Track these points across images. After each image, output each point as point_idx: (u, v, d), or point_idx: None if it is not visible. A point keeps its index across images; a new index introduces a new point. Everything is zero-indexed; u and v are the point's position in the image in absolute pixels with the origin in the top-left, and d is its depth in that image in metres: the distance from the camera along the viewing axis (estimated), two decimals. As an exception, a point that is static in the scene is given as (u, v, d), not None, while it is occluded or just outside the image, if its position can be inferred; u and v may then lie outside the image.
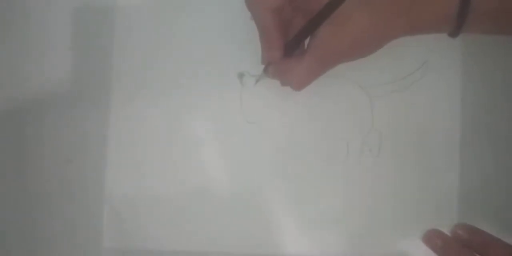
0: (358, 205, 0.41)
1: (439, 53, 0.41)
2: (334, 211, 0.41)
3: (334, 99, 0.41)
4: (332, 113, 0.42)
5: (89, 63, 0.42)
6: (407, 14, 0.34)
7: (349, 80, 0.41)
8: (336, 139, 0.41)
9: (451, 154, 0.41)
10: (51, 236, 0.42)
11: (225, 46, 0.42)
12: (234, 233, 0.41)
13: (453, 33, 0.36)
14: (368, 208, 0.41)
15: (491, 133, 0.41)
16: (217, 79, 0.42)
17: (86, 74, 0.42)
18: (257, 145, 0.42)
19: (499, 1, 0.34)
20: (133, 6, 0.42)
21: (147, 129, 0.42)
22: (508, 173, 0.41)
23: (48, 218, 0.42)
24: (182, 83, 0.42)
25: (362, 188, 0.41)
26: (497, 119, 0.41)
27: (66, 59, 0.42)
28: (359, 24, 0.34)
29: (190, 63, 0.42)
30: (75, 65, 0.42)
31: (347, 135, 0.41)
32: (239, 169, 0.42)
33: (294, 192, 0.42)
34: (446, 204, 0.41)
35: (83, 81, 0.42)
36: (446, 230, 0.41)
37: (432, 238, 0.40)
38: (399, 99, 0.41)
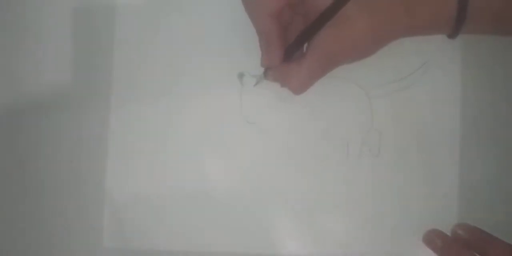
0: (358, 205, 0.41)
1: (439, 53, 0.41)
2: (333, 211, 0.41)
3: (334, 99, 0.41)
4: (332, 113, 0.42)
5: (89, 63, 0.42)
6: (405, 16, 0.34)
7: (349, 80, 0.41)
8: (336, 139, 0.41)
9: (451, 154, 0.41)
10: (51, 236, 0.42)
11: (225, 46, 0.42)
12: (234, 233, 0.41)
13: (452, 35, 0.36)
14: (368, 208, 0.41)
15: (491, 133, 0.41)
16: (217, 79, 0.42)
17: (86, 74, 0.42)
18: (257, 145, 0.42)
19: (497, 2, 0.34)
20: (133, 6, 0.42)
21: (147, 129, 0.42)
22: (509, 173, 0.41)
23: (48, 218, 0.42)
24: (182, 83, 0.42)
25: (362, 188, 0.41)
26: (497, 119, 0.41)
27: (66, 59, 0.42)
28: (358, 27, 0.34)
29: (190, 63, 0.42)
30: (75, 65, 0.42)
31: (347, 135, 0.41)
32: (239, 169, 0.42)
33: (293, 192, 0.41)
34: (446, 204, 0.41)
35: (83, 81, 0.42)
36: (447, 230, 0.41)
37: (432, 238, 0.40)
38: (399, 99, 0.41)
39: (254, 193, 0.42)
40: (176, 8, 0.42)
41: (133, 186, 0.42)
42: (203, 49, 0.42)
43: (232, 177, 0.42)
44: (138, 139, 0.42)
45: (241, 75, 0.41)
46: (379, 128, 0.41)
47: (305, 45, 0.36)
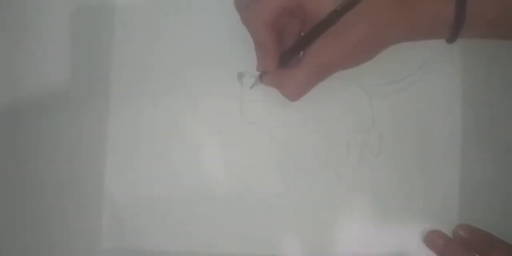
0: (358, 205, 0.41)
1: (439, 53, 0.41)
2: (333, 211, 0.41)
3: (334, 99, 0.41)
4: (332, 113, 0.41)
5: (89, 63, 0.42)
6: (403, 22, 0.34)
7: (349, 80, 0.41)
8: (336, 139, 0.41)
9: (452, 154, 0.41)
10: (50, 236, 0.42)
11: (225, 46, 0.42)
12: (234, 233, 0.41)
13: (450, 39, 0.36)
14: (368, 209, 0.41)
15: (492, 133, 0.41)
16: (217, 79, 0.42)
17: (85, 74, 0.42)
18: (257, 145, 0.42)
19: (494, 7, 0.34)
20: (132, 6, 0.42)
21: (147, 129, 0.42)
22: (509, 173, 0.41)
23: (47, 218, 0.42)
24: (182, 83, 0.42)
25: (362, 188, 0.41)
26: (497, 119, 0.41)
27: (65, 59, 0.42)
28: (356, 33, 0.34)
29: (190, 63, 0.42)
30: (75, 65, 0.42)
31: (347, 135, 0.41)
32: (239, 169, 0.42)
33: (293, 192, 0.41)
34: (447, 205, 0.41)
35: (82, 81, 0.42)
36: (447, 231, 0.41)
37: (433, 239, 0.40)
38: (399, 99, 0.41)
39: (254, 193, 0.41)
40: (176, 8, 0.42)
41: (132, 186, 0.42)
42: (203, 49, 0.42)
43: (232, 177, 0.42)
44: (137, 139, 0.42)
45: (241, 75, 0.41)
46: (379, 128, 0.41)
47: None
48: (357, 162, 0.41)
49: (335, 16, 0.33)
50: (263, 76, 0.38)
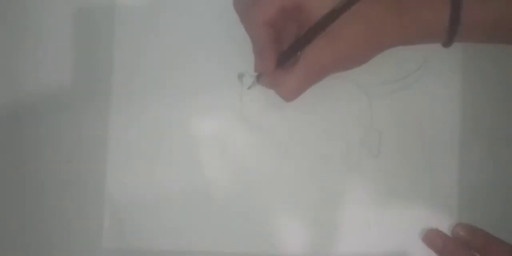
0: (358, 205, 0.41)
1: (439, 53, 0.41)
2: (333, 211, 0.41)
3: (334, 99, 0.41)
4: (332, 113, 0.42)
5: (89, 63, 0.42)
6: (399, 26, 0.34)
7: (349, 80, 0.41)
8: (336, 139, 0.41)
9: (451, 154, 0.41)
10: (50, 237, 0.42)
11: (225, 46, 0.42)
12: (234, 233, 0.41)
13: (446, 44, 0.36)
14: (368, 208, 0.41)
15: (491, 133, 0.41)
16: (217, 79, 0.42)
17: (85, 74, 0.42)
18: (257, 145, 0.42)
19: (489, 12, 0.34)
20: (132, 6, 0.42)
21: (147, 129, 0.42)
22: (508, 173, 0.41)
23: (47, 219, 0.42)
24: (182, 83, 0.42)
25: (362, 188, 0.41)
26: (497, 119, 0.41)
27: (66, 59, 0.42)
28: (351, 36, 0.34)
29: (190, 63, 0.42)
30: (75, 65, 0.42)
31: (347, 135, 0.41)
32: (238, 169, 0.42)
33: (293, 192, 0.41)
34: (446, 204, 0.41)
35: (82, 81, 0.42)
36: (447, 230, 0.41)
37: (432, 238, 0.41)
38: (399, 99, 0.41)
39: (254, 193, 0.42)
40: (176, 8, 0.42)
41: (133, 186, 0.42)
42: (203, 49, 0.42)
43: (232, 177, 0.42)
44: (138, 139, 0.42)
45: (241, 75, 0.41)
46: (379, 128, 0.41)
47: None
48: (357, 162, 0.41)
49: (332, 16, 0.33)
50: (260, 77, 0.38)
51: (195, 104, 0.42)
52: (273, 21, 0.34)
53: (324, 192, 0.41)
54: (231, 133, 0.42)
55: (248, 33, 0.36)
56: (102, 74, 0.42)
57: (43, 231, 0.42)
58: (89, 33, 0.42)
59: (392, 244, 0.41)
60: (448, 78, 0.41)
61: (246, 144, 0.42)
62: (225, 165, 0.42)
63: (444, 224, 0.41)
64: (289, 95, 0.37)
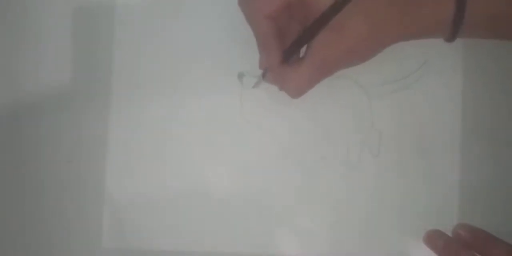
0: (358, 205, 0.41)
1: (439, 53, 0.41)
2: (333, 211, 0.41)
3: (334, 99, 0.41)
4: (332, 113, 0.42)
5: (89, 63, 0.42)
6: (402, 21, 0.34)
7: (349, 80, 0.41)
8: (336, 139, 0.41)
9: (451, 154, 0.41)
10: (50, 237, 0.42)
11: (225, 46, 0.42)
12: (234, 233, 0.41)
13: (449, 38, 0.36)
14: (368, 208, 0.41)
15: (492, 133, 0.41)
16: (217, 79, 0.42)
17: (85, 74, 0.42)
18: (257, 145, 0.42)
19: (494, 7, 0.34)
20: (132, 6, 0.42)
21: (147, 129, 0.42)
22: (509, 173, 0.41)
23: (47, 218, 0.42)
24: (182, 83, 0.42)
25: (362, 188, 0.41)
26: (497, 119, 0.41)
27: (66, 59, 0.42)
28: (355, 31, 0.34)
29: (190, 63, 0.42)
30: (75, 65, 0.42)
31: (347, 135, 0.41)
32: (238, 169, 0.42)
33: (293, 192, 0.41)
34: (446, 204, 0.41)
35: (82, 81, 0.42)
36: (447, 230, 0.41)
37: (432, 238, 0.40)
38: (399, 99, 0.41)
39: (253, 193, 0.42)
40: (176, 8, 0.42)
41: (133, 186, 0.42)
42: (203, 49, 0.42)
43: (232, 177, 0.42)
44: (138, 139, 0.42)
45: (241, 75, 0.41)
46: (379, 128, 0.41)
47: (302, 49, 0.36)
48: (357, 162, 0.41)
49: (335, 8, 0.33)
50: (265, 74, 0.38)
51: (195, 104, 0.42)
52: (276, 15, 0.34)
53: (324, 192, 0.41)
54: (231, 133, 0.42)
55: (252, 27, 0.36)
56: (102, 74, 0.42)
57: (43, 231, 0.42)
58: (89, 33, 0.42)
59: (392, 244, 0.41)
60: (448, 78, 0.41)
61: (246, 144, 0.42)
62: (225, 165, 0.42)
63: (444, 224, 0.41)
64: (296, 92, 0.37)
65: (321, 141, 0.42)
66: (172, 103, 0.42)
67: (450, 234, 0.40)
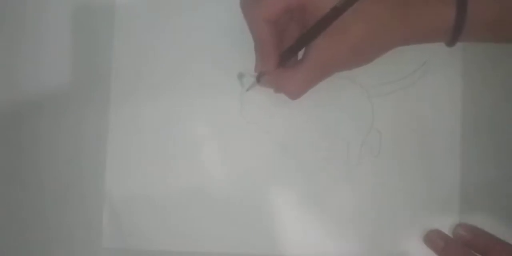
0: (358, 206, 0.41)
1: (439, 53, 0.41)
2: (333, 211, 0.41)
3: (334, 99, 0.41)
4: (332, 113, 0.41)
5: (88, 63, 0.42)
6: (403, 25, 0.34)
7: (349, 80, 0.41)
8: (336, 139, 0.41)
9: (452, 154, 0.41)
10: (50, 237, 0.42)
11: (225, 46, 0.42)
12: (234, 233, 0.41)
13: (450, 43, 0.36)
14: (368, 209, 0.41)
15: (492, 133, 0.41)
16: (217, 79, 0.42)
17: (85, 74, 0.42)
18: (256, 146, 0.42)
19: (494, 13, 0.34)
20: (132, 6, 0.42)
21: (147, 129, 0.42)
22: (509, 173, 0.41)
23: (47, 218, 0.42)
24: (182, 83, 0.42)
25: (362, 188, 0.41)
26: (497, 119, 0.41)
27: (65, 59, 0.42)
28: (355, 35, 0.34)
29: (190, 63, 0.42)
30: (74, 65, 0.42)
31: (347, 135, 0.41)
32: (238, 169, 0.42)
33: (293, 192, 0.41)
34: (447, 204, 0.41)
35: (82, 81, 0.42)
36: (448, 230, 0.41)
37: (433, 238, 0.40)
38: (399, 99, 0.41)
39: (254, 193, 0.41)
40: (175, 8, 0.42)
41: (132, 186, 0.42)
42: (203, 49, 0.42)
43: (232, 177, 0.42)
44: (137, 139, 0.42)
45: (241, 75, 0.41)
46: (379, 128, 0.41)
47: (301, 52, 0.36)
48: (357, 162, 0.41)
49: (335, 13, 0.33)
50: (261, 78, 0.38)
51: (195, 104, 0.42)
52: (276, 19, 0.34)
53: (324, 192, 0.41)
54: (231, 133, 0.42)
55: (251, 30, 0.36)
56: (101, 74, 0.42)
57: (43, 231, 0.42)
58: (89, 33, 0.42)
59: (392, 244, 0.41)
60: (448, 78, 0.41)
61: (246, 144, 0.42)
62: (225, 165, 0.42)
63: (445, 224, 0.41)
64: (295, 93, 0.37)
65: (321, 141, 0.41)
66: (172, 103, 0.42)
67: (450, 234, 0.40)
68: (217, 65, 0.42)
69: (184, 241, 0.42)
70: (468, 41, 0.36)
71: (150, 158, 0.42)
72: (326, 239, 0.41)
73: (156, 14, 0.42)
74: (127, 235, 0.42)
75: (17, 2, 0.42)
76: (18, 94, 0.42)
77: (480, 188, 0.41)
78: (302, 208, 0.41)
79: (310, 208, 0.41)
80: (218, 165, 0.42)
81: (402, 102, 0.41)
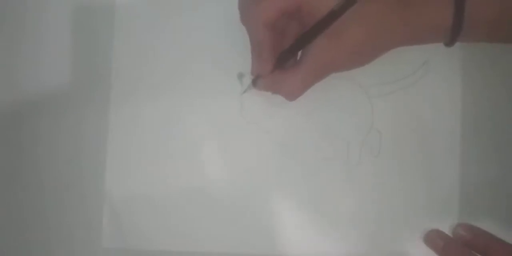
0: (358, 206, 0.41)
1: (439, 53, 0.41)
2: (333, 211, 0.41)
3: (334, 99, 0.41)
4: (332, 113, 0.41)
5: (88, 63, 0.42)
6: (402, 26, 0.34)
7: (349, 80, 0.41)
8: (336, 139, 0.41)
9: (451, 154, 0.41)
10: (50, 237, 0.42)
11: (225, 46, 0.42)
12: (234, 233, 0.41)
13: (449, 43, 0.36)
14: (368, 209, 0.41)
15: (492, 133, 0.41)
16: (217, 79, 0.42)
17: (85, 74, 0.42)
18: (256, 146, 0.42)
19: (492, 13, 0.34)
20: (132, 6, 0.42)
21: (147, 130, 0.42)
22: (509, 172, 0.41)
23: (47, 218, 0.42)
24: (182, 83, 0.42)
25: (362, 188, 0.41)
26: (497, 119, 0.41)
27: (65, 59, 0.42)
28: (354, 37, 0.34)
29: (190, 63, 0.42)
30: (75, 65, 0.42)
31: (347, 135, 0.41)
32: (238, 169, 0.42)
33: (293, 193, 0.41)
34: (447, 204, 0.41)
35: (82, 81, 0.42)
36: (447, 230, 0.41)
37: (433, 238, 0.40)
38: (399, 99, 0.41)
39: (254, 193, 0.41)
40: (175, 8, 0.42)
41: (132, 186, 0.42)
42: (203, 49, 0.42)
43: (232, 177, 0.42)
44: (137, 140, 0.42)
45: (241, 76, 0.41)
46: (379, 128, 0.41)
47: (299, 52, 0.36)
48: (357, 162, 0.41)
49: (332, 16, 0.33)
50: (256, 81, 0.38)
51: (195, 104, 0.42)
52: (273, 23, 0.34)
53: (324, 192, 0.41)
54: (231, 133, 0.42)
55: (248, 33, 0.36)
56: (101, 74, 0.42)
57: (43, 231, 0.42)
58: (89, 33, 0.42)
59: (392, 244, 0.41)
60: (448, 78, 0.41)
61: (246, 144, 0.42)
62: (225, 165, 0.42)
63: (445, 224, 0.41)
64: (292, 94, 0.37)
65: (321, 141, 0.41)
66: (171, 103, 0.42)
67: (450, 234, 0.40)
68: (217, 65, 0.42)
69: (184, 241, 0.42)
70: (467, 41, 0.36)
71: (150, 158, 0.42)
72: (326, 239, 0.41)
73: (156, 14, 0.42)
74: (127, 235, 0.42)
75: (17, 2, 0.42)
76: (18, 94, 0.42)
77: (480, 188, 0.41)
78: (302, 208, 0.41)
79: (310, 208, 0.41)
80: (218, 165, 0.42)
81: (402, 102, 0.41)
